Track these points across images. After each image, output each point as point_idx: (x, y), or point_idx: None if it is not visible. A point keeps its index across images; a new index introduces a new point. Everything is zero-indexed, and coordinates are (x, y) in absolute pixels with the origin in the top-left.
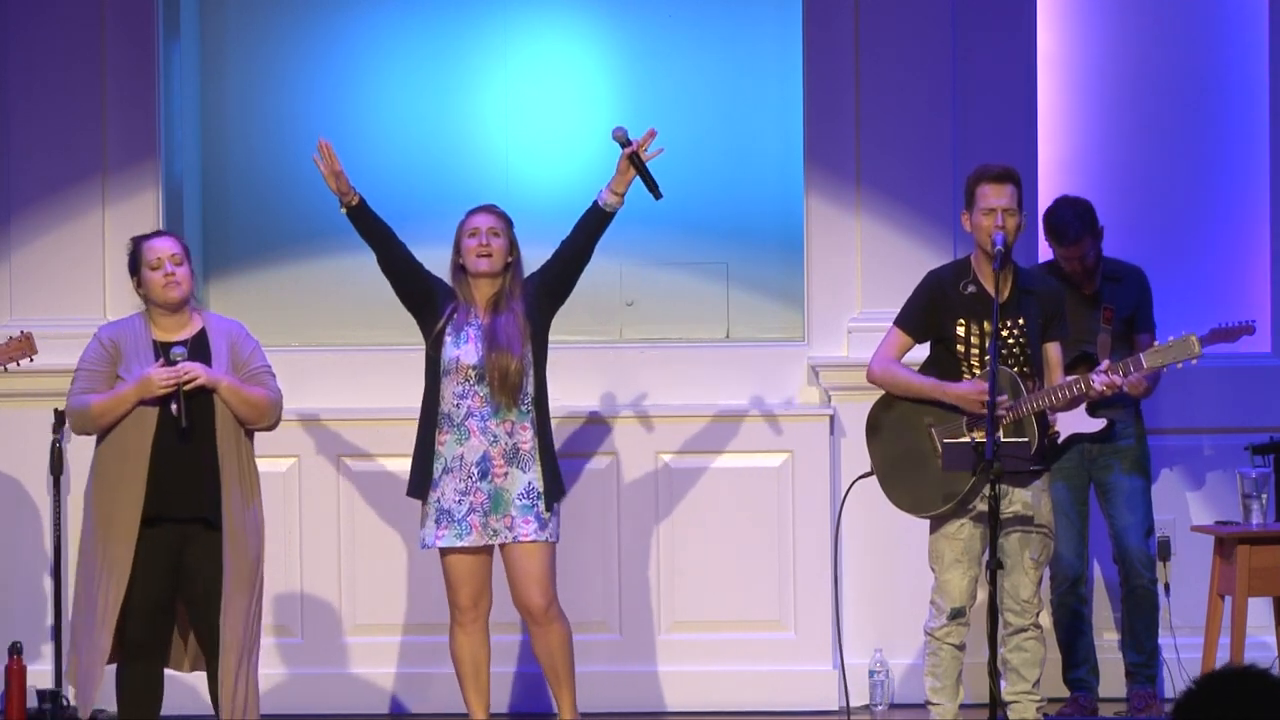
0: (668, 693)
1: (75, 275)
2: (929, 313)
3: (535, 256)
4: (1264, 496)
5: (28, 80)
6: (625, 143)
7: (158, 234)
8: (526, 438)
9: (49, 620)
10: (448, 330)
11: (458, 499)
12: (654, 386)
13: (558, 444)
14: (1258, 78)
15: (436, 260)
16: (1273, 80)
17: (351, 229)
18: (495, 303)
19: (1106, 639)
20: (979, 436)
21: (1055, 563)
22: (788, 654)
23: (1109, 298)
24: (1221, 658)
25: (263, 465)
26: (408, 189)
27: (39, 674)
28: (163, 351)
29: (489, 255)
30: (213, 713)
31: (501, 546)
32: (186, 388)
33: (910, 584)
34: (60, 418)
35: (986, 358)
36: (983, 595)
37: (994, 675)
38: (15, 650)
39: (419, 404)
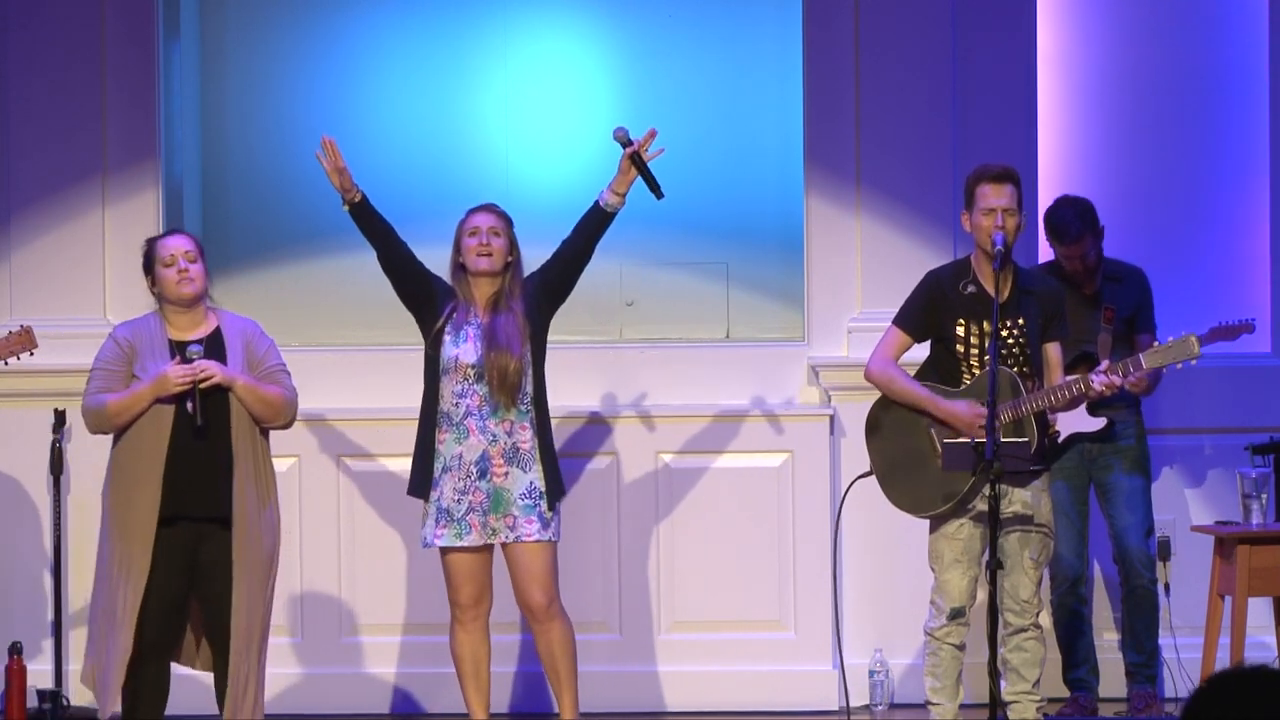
0: (668, 693)
1: (75, 275)
2: (928, 312)
3: (535, 256)
4: (1264, 496)
5: (28, 80)
6: (626, 143)
7: (171, 232)
8: (526, 437)
9: (49, 620)
10: (447, 329)
11: (456, 498)
12: (654, 386)
13: (558, 444)
14: (1258, 78)
15: (436, 260)
16: (1273, 80)
17: (352, 228)
18: (495, 302)
19: (1106, 639)
20: (979, 436)
21: (1055, 563)
22: (788, 654)
23: (1110, 298)
24: (1221, 658)
25: None
26: (408, 189)
27: (39, 674)
28: (179, 350)
29: (489, 254)
30: (217, 711)
31: (503, 546)
32: (202, 386)
33: (910, 584)
34: (60, 417)
35: (986, 358)
36: (982, 595)
37: (994, 675)
38: (15, 650)
39: (419, 403)
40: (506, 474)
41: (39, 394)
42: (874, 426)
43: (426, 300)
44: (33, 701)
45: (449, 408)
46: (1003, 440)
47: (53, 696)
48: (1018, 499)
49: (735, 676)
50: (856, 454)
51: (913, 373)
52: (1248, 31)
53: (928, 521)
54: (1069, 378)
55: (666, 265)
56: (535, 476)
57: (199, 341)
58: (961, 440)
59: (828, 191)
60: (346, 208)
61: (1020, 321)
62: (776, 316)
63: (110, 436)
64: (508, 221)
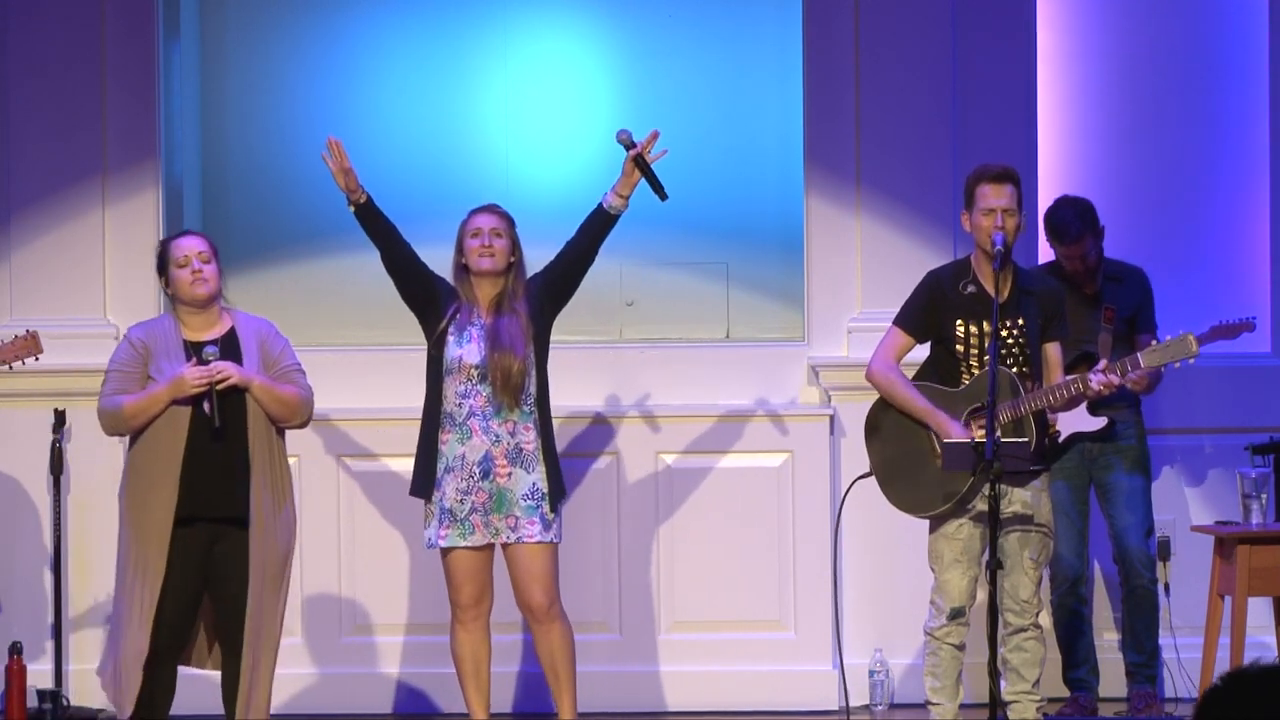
0: (668, 693)
1: (75, 275)
2: (928, 313)
3: (535, 256)
4: (1264, 496)
5: (28, 80)
6: (630, 145)
7: (185, 233)
8: (529, 438)
9: (49, 620)
10: (450, 330)
11: (459, 499)
12: (654, 386)
13: (558, 444)
14: (1258, 77)
15: (437, 260)
16: (1273, 80)
17: (352, 228)
18: (498, 303)
19: (1106, 639)
20: (979, 436)
21: (1055, 563)
22: (788, 654)
23: (1110, 298)
24: (1221, 658)
25: None
26: (408, 189)
27: (39, 674)
28: (195, 351)
29: (492, 255)
30: (222, 711)
31: (505, 546)
32: (219, 387)
33: (910, 584)
34: (60, 417)
35: (986, 358)
36: (982, 595)
37: (994, 675)
38: (15, 650)
39: (420, 404)
40: (510, 474)
41: (39, 394)
42: (874, 427)
43: (430, 301)
44: (33, 701)
45: (452, 408)
46: (1002, 440)
47: (53, 696)
48: (1017, 499)
49: (735, 676)
50: (856, 454)
51: (912, 373)
52: (1248, 32)
53: (927, 521)
54: (1067, 377)
55: (666, 265)
56: (538, 477)
57: (214, 342)
58: (961, 440)
59: (828, 191)
60: (352, 208)
61: (1020, 321)
62: (776, 316)
63: (125, 438)
64: (510, 222)
